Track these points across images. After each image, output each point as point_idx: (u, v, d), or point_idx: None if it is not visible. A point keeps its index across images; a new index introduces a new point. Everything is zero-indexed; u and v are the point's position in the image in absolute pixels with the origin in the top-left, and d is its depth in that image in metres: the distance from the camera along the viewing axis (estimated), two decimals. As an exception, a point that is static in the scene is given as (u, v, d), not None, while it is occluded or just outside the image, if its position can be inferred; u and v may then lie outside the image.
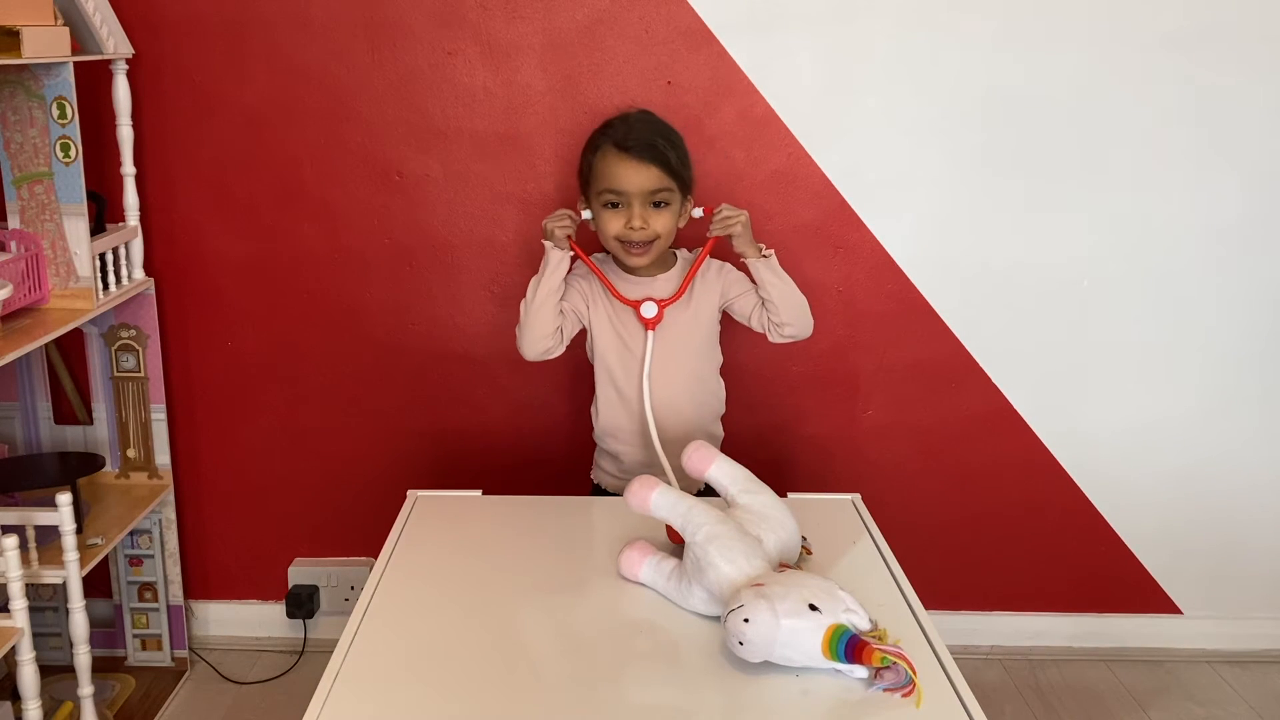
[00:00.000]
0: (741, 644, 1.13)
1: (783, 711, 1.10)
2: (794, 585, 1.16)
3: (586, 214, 1.68)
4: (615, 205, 1.63)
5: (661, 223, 1.64)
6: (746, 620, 1.12)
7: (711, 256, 1.72)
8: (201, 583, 2.21)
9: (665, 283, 1.72)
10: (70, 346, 2.03)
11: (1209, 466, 2.16)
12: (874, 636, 1.14)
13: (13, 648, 1.52)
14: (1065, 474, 2.15)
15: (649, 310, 1.66)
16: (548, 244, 1.67)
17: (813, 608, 1.13)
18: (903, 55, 1.92)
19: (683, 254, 1.76)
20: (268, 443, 2.13)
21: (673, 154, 1.63)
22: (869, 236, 2.01)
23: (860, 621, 1.15)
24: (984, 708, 1.09)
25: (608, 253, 1.73)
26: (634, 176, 1.61)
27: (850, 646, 1.11)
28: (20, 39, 1.50)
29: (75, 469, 1.87)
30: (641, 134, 1.63)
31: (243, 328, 2.07)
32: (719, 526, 1.26)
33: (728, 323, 1.77)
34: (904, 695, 1.11)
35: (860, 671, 1.13)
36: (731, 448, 1.56)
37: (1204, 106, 1.95)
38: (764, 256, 1.67)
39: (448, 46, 1.93)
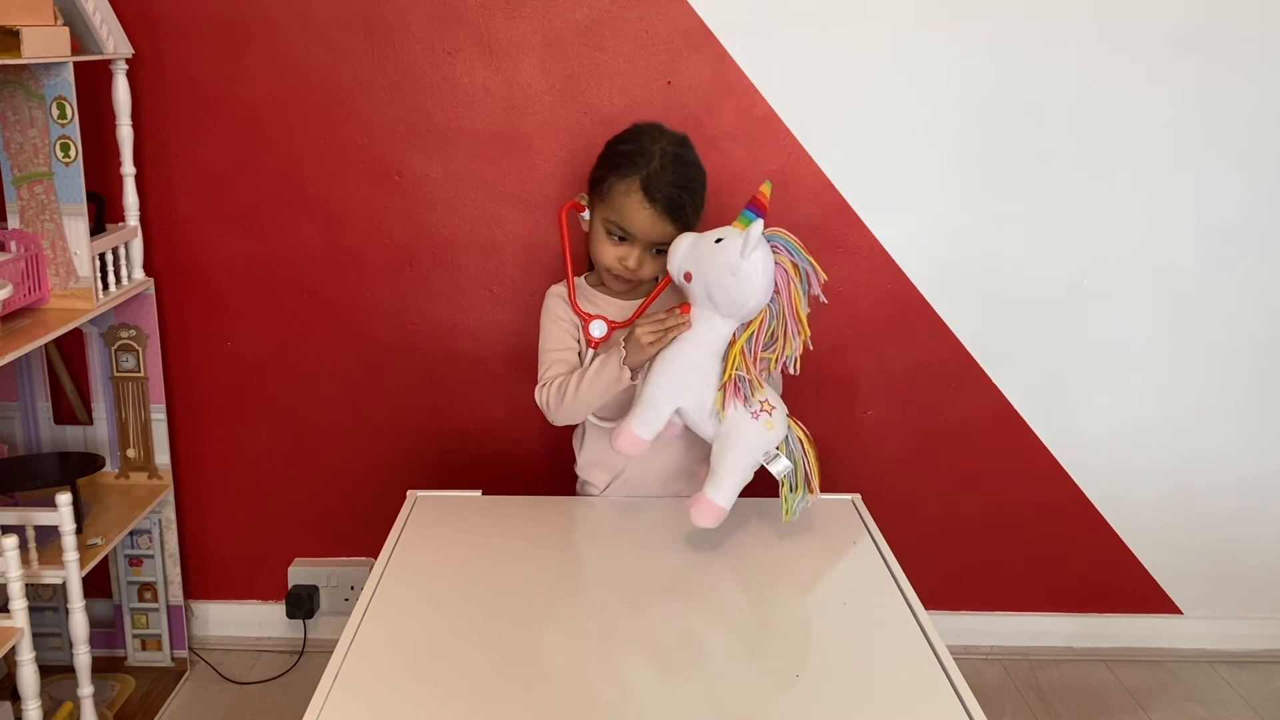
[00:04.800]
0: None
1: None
2: None
3: (586, 214, 1.66)
4: (619, 238, 1.58)
5: (656, 267, 1.60)
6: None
7: None
8: (201, 583, 2.21)
9: (633, 307, 1.66)
10: (70, 346, 2.03)
11: (1209, 466, 2.16)
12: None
13: (13, 648, 1.52)
14: (1065, 474, 2.15)
15: (597, 329, 1.61)
16: (625, 366, 1.50)
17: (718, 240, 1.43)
18: (903, 55, 1.92)
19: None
20: (268, 443, 2.13)
21: (692, 213, 1.58)
22: (869, 236, 2.01)
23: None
24: (984, 708, 1.09)
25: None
26: (649, 227, 1.56)
27: (750, 206, 1.41)
28: (20, 39, 1.50)
29: (75, 469, 1.87)
30: (670, 187, 1.54)
31: (243, 328, 2.07)
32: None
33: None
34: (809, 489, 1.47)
35: (782, 463, 1.46)
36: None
37: (1204, 106, 1.95)
38: None
39: (448, 46, 1.93)
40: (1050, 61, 1.93)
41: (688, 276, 1.44)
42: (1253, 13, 1.91)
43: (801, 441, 1.49)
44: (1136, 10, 1.90)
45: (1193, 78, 1.94)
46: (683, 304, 1.48)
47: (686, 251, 1.45)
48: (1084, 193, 2.00)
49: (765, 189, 1.42)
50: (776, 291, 1.42)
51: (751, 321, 1.44)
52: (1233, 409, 2.13)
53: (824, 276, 1.43)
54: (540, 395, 1.62)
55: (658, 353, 1.47)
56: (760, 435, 1.45)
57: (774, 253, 1.41)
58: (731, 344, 1.45)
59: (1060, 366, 2.09)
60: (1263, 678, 2.18)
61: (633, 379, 1.51)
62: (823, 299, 1.45)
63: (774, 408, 1.46)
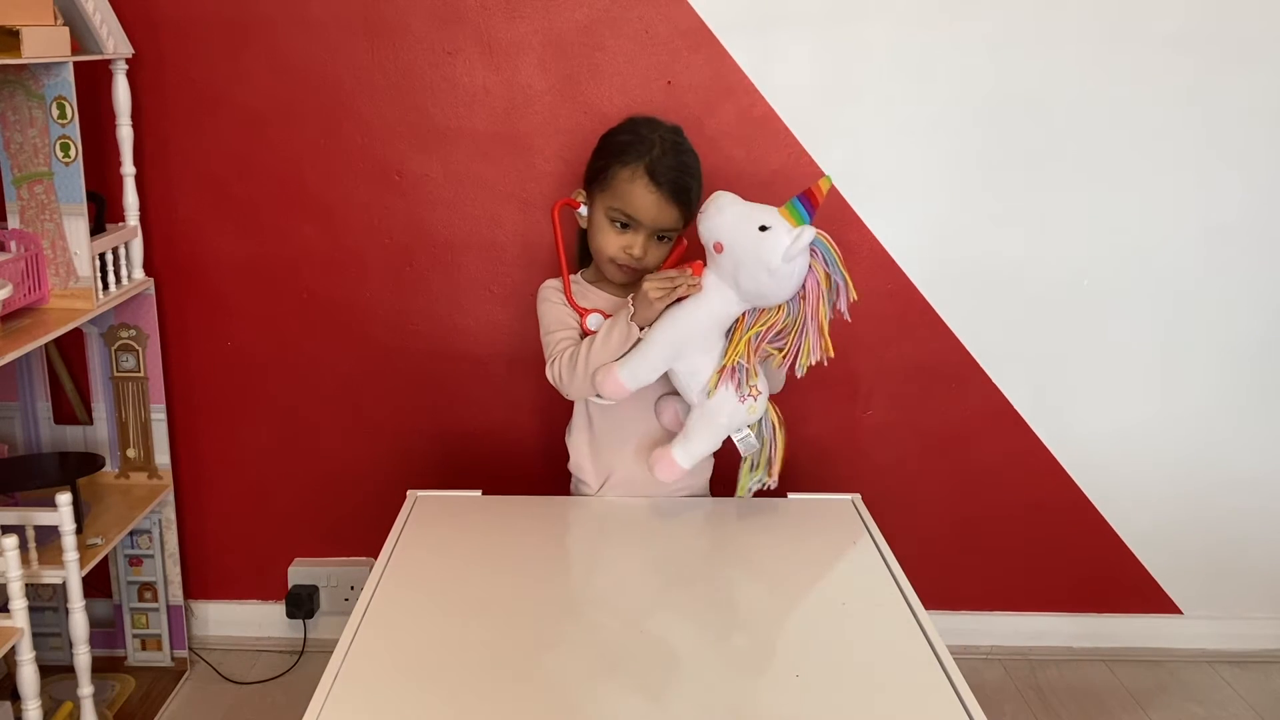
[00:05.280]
0: (712, 199, 1.43)
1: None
2: None
3: (583, 210, 1.64)
4: (623, 225, 1.58)
5: (658, 255, 1.60)
6: (712, 199, 1.44)
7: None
8: (201, 583, 2.21)
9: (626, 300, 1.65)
10: (70, 346, 2.03)
11: (1209, 466, 2.16)
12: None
13: (13, 648, 1.52)
14: (1065, 474, 2.15)
15: (594, 323, 1.60)
16: (633, 323, 1.50)
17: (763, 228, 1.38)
18: (903, 55, 1.92)
19: None
20: (268, 443, 2.13)
21: (696, 198, 1.59)
22: (869, 236, 2.01)
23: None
24: (984, 708, 1.09)
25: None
26: (656, 213, 1.56)
27: (804, 200, 1.37)
28: (20, 39, 1.50)
29: (75, 469, 1.87)
30: (675, 171, 1.55)
31: (243, 328, 2.07)
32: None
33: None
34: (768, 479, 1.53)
35: (750, 442, 1.50)
36: (731, 452, 1.56)
37: (1204, 106, 1.95)
38: None
39: (448, 46, 1.93)
40: (1050, 62, 1.93)
41: (718, 247, 1.41)
42: (1253, 13, 1.91)
43: (774, 425, 1.52)
44: (1136, 10, 1.90)
45: (1192, 78, 1.94)
46: (695, 263, 1.47)
47: (724, 223, 1.41)
48: (1084, 193, 2.00)
49: (824, 184, 1.38)
50: (802, 296, 1.41)
51: (765, 311, 1.44)
52: (1233, 409, 2.13)
53: (855, 296, 1.43)
54: (552, 370, 1.60)
55: (665, 309, 1.48)
56: (741, 416, 1.48)
57: (810, 255, 1.40)
58: (738, 327, 1.45)
59: (1060, 366, 2.09)
60: (1263, 678, 2.18)
61: (641, 334, 1.52)
62: (847, 317, 1.44)
63: (760, 393, 1.48)
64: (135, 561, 2.08)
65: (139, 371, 2.00)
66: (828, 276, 1.41)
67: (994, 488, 2.16)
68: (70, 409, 2.07)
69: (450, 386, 2.09)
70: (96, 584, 2.08)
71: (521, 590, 1.34)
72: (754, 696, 1.12)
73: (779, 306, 1.43)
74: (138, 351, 1.99)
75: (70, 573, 1.64)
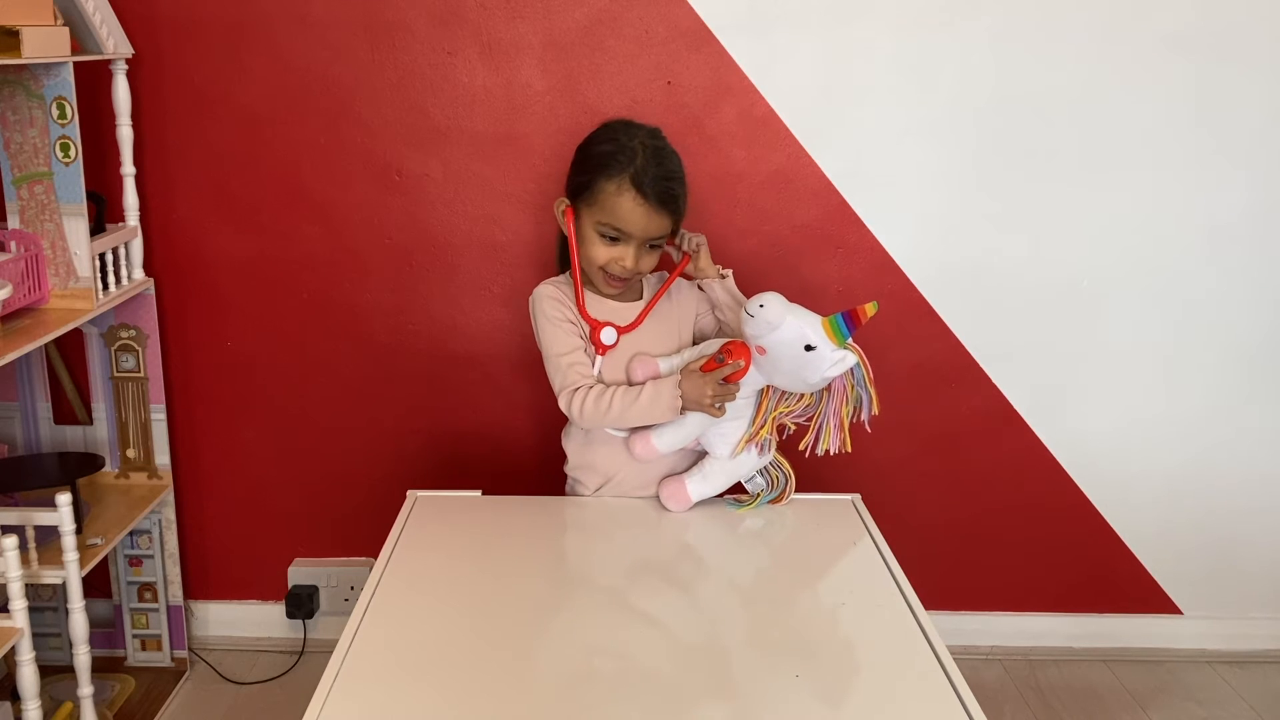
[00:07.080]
0: (762, 306, 1.40)
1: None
2: None
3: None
4: (612, 239, 1.56)
5: (649, 262, 1.59)
6: (763, 305, 1.41)
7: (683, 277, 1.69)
8: (201, 583, 2.21)
9: (631, 309, 1.64)
10: (70, 346, 2.03)
11: (1209, 466, 2.16)
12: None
13: (13, 648, 1.52)
14: (1065, 474, 2.15)
15: (608, 336, 1.59)
16: (681, 411, 1.52)
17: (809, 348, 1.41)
18: (903, 55, 1.92)
19: (649, 280, 1.68)
20: (268, 443, 2.13)
21: (683, 202, 1.58)
22: (869, 236, 2.01)
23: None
24: (984, 708, 1.09)
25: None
26: (647, 225, 1.54)
27: (847, 319, 1.39)
28: (20, 39, 1.50)
29: (75, 469, 1.87)
30: (661, 181, 1.53)
31: (243, 328, 2.07)
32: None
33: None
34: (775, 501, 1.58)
35: (757, 483, 1.60)
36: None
37: (1205, 106, 1.95)
38: (722, 278, 1.65)
39: (448, 46, 1.93)
40: (1051, 62, 1.93)
41: (760, 350, 1.46)
42: (1253, 13, 1.91)
43: (781, 464, 1.61)
44: (1137, 10, 1.90)
45: (1193, 77, 1.94)
46: (738, 344, 1.50)
47: (775, 339, 1.42)
48: (1084, 192, 2.00)
49: (870, 309, 1.40)
50: (828, 390, 1.49)
51: (788, 392, 1.52)
52: (1233, 409, 2.13)
53: (877, 410, 1.50)
54: (572, 402, 1.57)
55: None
56: (755, 464, 1.58)
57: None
58: (763, 401, 1.53)
59: (1060, 366, 2.09)
60: (1263, 678, 2.18)
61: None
62: (868, 429, 1.51)
63: (773, 445, 1.59)
64: (135, 561, 2.08)
65: (139, 371, 2.00)
66: (852, 388, 1.49)
67: (994, 488, 2.16)
68: (70, 409, 2.07)
69: (450, 386, 2.09)
70: (96, 584, 2.08)
71: (521, 590, 1.34)
72: (754, 697, 1.12)
73: (804, 395, 1.52)
74: (138, 351, 1.99)
75: (70, 573, 1.64)
